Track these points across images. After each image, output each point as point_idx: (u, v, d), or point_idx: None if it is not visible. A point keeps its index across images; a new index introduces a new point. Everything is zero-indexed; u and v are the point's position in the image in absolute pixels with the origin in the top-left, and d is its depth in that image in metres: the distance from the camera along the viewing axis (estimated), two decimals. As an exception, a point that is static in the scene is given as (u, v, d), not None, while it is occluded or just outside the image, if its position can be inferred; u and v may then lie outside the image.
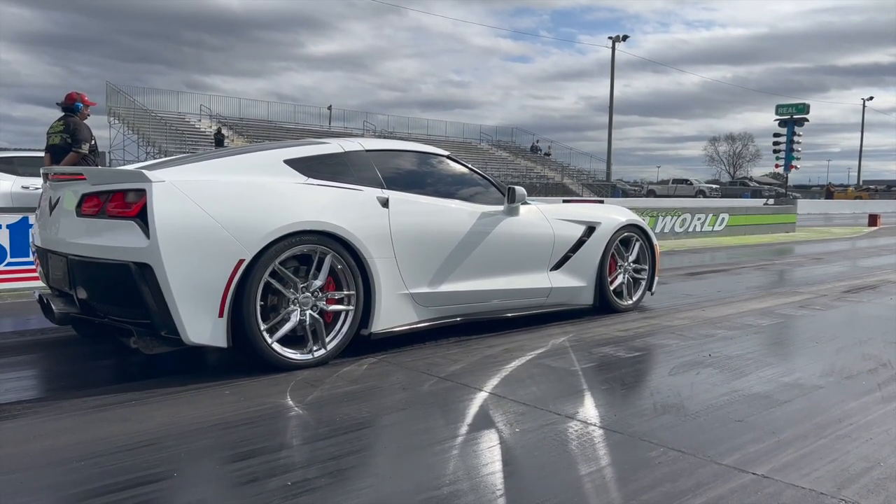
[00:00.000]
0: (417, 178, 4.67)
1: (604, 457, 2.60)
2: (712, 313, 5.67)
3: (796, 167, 19.08)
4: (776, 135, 19.13)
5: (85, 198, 3.61)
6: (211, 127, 34.85)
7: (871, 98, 72.50)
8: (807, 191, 63.83)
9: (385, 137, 41.55)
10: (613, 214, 5.66)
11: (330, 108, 43.36)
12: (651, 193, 46.99)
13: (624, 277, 5.69)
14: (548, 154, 47.19)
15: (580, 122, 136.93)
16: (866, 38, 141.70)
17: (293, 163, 4.04)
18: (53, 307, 3.70)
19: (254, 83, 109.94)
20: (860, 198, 54.59)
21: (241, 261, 3.47)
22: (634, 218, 5.79)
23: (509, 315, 4.92)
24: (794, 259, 10.84)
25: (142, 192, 3.40)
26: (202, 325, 3.40)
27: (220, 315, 3.44)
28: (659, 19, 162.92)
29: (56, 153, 7.30)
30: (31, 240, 4.35)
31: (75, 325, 4.26)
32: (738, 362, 4.05)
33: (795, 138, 18.93)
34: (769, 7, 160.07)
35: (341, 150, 4.33)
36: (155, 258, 3.29)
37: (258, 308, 3.56)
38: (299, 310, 3.75)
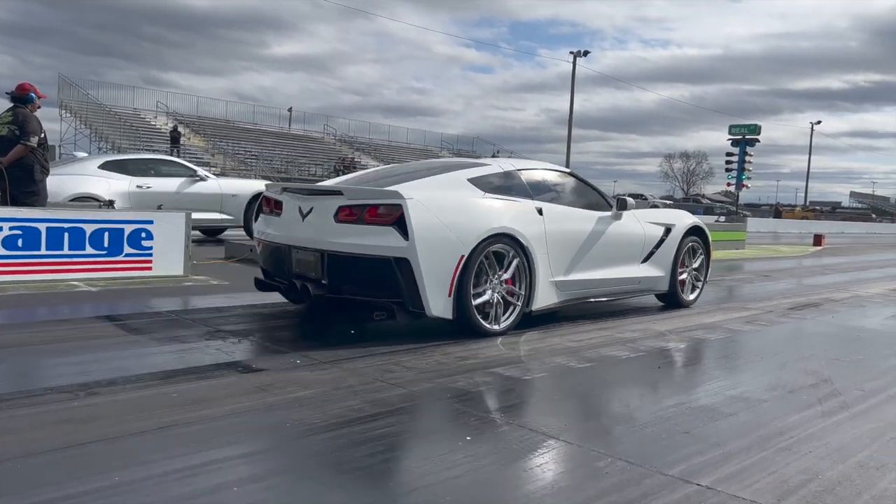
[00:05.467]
0: (554, 190, 5.78)
1: (552, 467, 2.62)
2: (662, 326, 5.77)
3: (747, 186, 19.69)
4: (729, 154, 19.70)
5: (341, 209, 4.59)
6: (167, 124, 34.18)
7: (819, 122, 75.11)
8: (757, 209, 65.66)
9: (346, 142, 41.36)
10: (683, 218, 6.85)
11: (290, 109, 43.00)
12: (607, 207, 47.68)
13: (688, 276, 6.81)
14: (508, 165, 47.57)
15: (541, 134, 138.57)
16: (817, 63, 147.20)
17: (473, 181, 5.12)
18: (310, 289, 4.67)
19: (214, 81, 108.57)
20: (807, 218, 56.48)
21: (462, 256, 4.55)
22: (697, 221, 6.96)
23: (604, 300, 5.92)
24: (742, 275, 11.12)
25: (398, 206, 4.39)
26: (439, 303, 4.49)
27: (449, 295, 4.52)
28: (618, 36, 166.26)
29: (3, 145, 7.06)
30: (260, 237, 5.40)
31: (288, 296, 5.38)
32: (685, 375, 4.13)
33: (747, 158, 19.48)
34: (724, 30, 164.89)
35: (502, 170, 5.45)
36: (412, 255, 4.36)
37: (471, 290, 4.62)
38: (491, 291, 4.82)
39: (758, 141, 19.04)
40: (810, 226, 39.63)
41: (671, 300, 6.66)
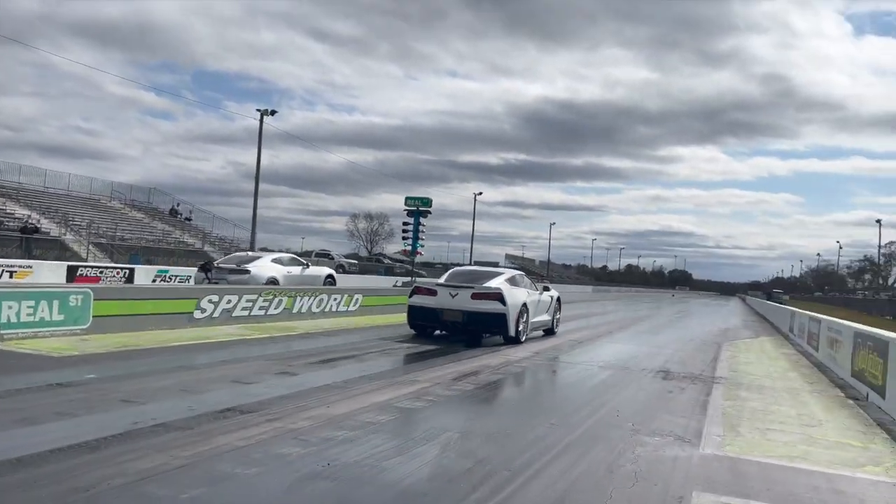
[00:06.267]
0: (529, 283, 13.01)
1: None
2: (337, 409, 5.72)
3: (421, 253, 21.41)
4: (405, 223, 21.23)
5: (473, 293, 11.34)
6: None
7: (481, 193, 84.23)
8: (432, 268, 71.21)
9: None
10: (555, 292, 14.21)
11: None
12: (294, 265, 47.64)
13: (554, 319, 14.25)
14: (188, 219, 44.94)
15: (227, 186, 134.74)
16: (479, 141, 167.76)
17: (508, 280, 11.98)
18: (454, 328, 11.70)
19: None
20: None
21: (517, 312, 11.57)
22: (558, 293, 14.51)
23: None
24: (416, 342, 11.72)
25: (499, 293, 11.32)
26: (513, 330, 11.44)
27: (516, 327, 11.55)
28: (307, 97, 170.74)
29: None
30: (416, 304, 11.87)
31: (420, 328, 12.19)
32: (355, 470, 4.08)
33: (421, 227, 21.16)
34: (402, 102, 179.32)
35: (512, 275, 12.52)
36: (506, 312, 11.28)
37: (519, 326, 11.71)
38: (522, 325, 11.86)
39: (429, 213, 20.94)
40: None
41: (549, 332, 13.82)
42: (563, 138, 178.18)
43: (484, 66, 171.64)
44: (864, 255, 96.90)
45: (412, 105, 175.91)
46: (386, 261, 60.89)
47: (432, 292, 11.63)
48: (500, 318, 11.20)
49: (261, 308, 12.75)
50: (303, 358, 8.69)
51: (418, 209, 20.91)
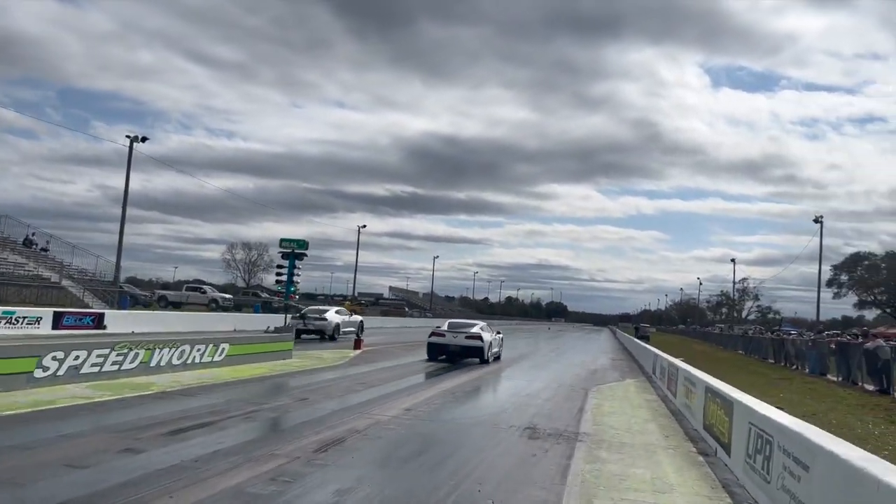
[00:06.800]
0: (492, 328, 23.32)
1: None
2: (180, 501, 5.28)
3: (295, 297, 20.78)
4: (280, 266, 20.60)
5: (467, 335, 20.71)
6: None
7: (365, 226, 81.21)
8: (313, 300, 69.65)
9: None
10: (502, 334, 24.45)
11: None
12: (163, 300, 45.14)
13: (501, 350, 23.49)
14: (45, 249, 41.53)
15: (95, 211, 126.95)
16: (365, 172, 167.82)
17: (481, 328, 21.56)
18: (453, 355, 20.41)
19: None
20: (355, 312, 62.17)
21: (489, 345, 20.98)
22: (501, 333, 24.23)
23: None
24: (282, 400, 11.25)
25: (479, 335, 20.65)
26: (485, 357, 20.55)
27: (488, 354, 20.87)
28: (184, 121, 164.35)
29: None
30: (433, 342, 20.79)
31: (433, 356, 20.64)
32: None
33: (296, 271, 20.55)
34: (285, 130, 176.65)
35: (483, 324, 22.73)
36: (483, 346, 20.51)
37: (491, 353, 21.50)
38: (490, 354, 21.31)
39: (306, 255, 20.37)
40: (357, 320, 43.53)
41: (497, 358, 22.24)
42: (448, 172, 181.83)
43: (370, 98, 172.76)
44: (721, 290, 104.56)
45: (296, 133, 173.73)
46: (263, 294, 58.79)
47: (442, 335, 20.36)
48: (480, 350, 20.10)
49: (114, 363, 11.81)
50: (153, 428, 8.06)
51: (293, 252, 20.33)
